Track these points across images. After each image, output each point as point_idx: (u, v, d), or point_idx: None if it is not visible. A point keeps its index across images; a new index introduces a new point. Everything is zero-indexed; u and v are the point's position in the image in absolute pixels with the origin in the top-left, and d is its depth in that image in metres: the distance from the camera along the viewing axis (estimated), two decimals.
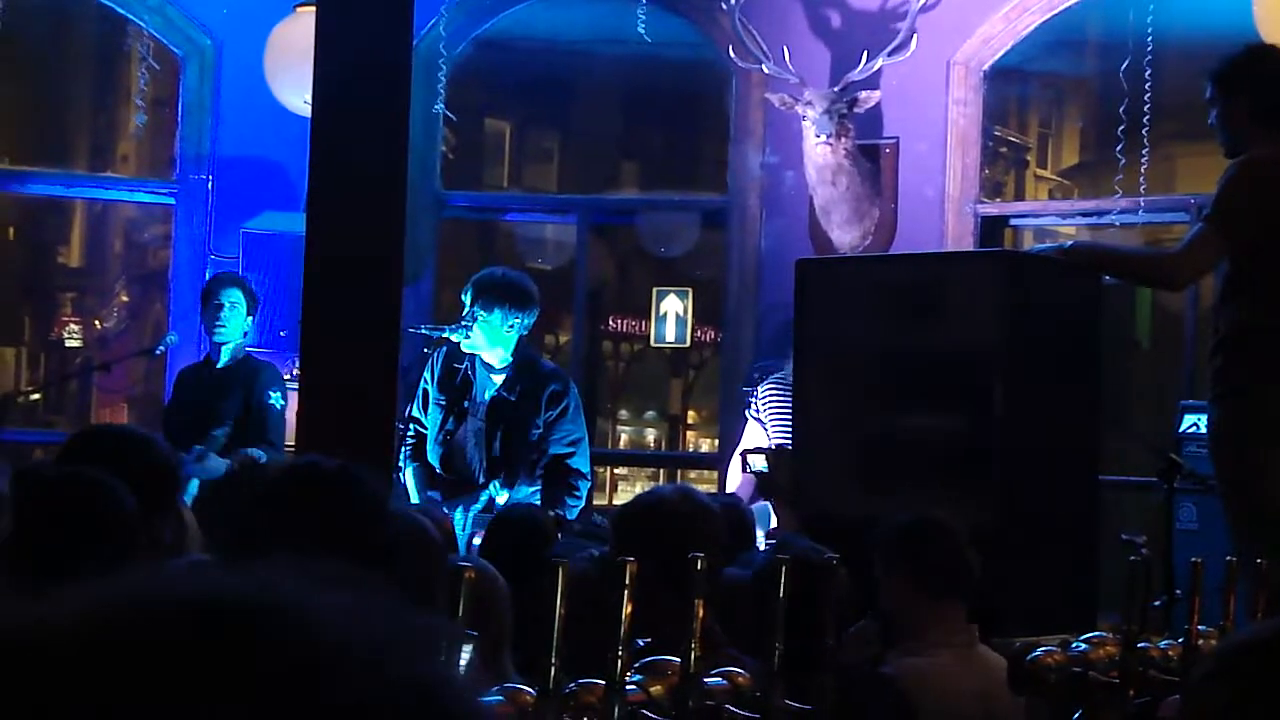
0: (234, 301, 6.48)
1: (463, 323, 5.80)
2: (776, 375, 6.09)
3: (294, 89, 6.82)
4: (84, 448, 3.21)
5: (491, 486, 5.74)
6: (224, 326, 6.47)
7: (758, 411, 6.03)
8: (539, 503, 5.67)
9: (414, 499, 5.82)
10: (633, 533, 3.08)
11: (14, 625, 0.64)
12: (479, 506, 5.72)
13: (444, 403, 5.88)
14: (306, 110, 4.75)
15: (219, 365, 6.49)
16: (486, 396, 5.84)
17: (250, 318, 6.54)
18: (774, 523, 5.69)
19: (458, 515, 5.70)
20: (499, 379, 5.83)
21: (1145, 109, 6.93)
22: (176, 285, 7.90)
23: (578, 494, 5.79)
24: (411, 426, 5.88)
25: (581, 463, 5.82)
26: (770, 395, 6.03)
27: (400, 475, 5.80)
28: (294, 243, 5.82)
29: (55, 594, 0.66)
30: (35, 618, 0.64)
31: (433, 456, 5.88)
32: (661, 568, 2.45)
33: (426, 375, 5.91)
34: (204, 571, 0.69)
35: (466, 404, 5.85)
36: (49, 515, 2.60)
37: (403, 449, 5.77)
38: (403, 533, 2.39)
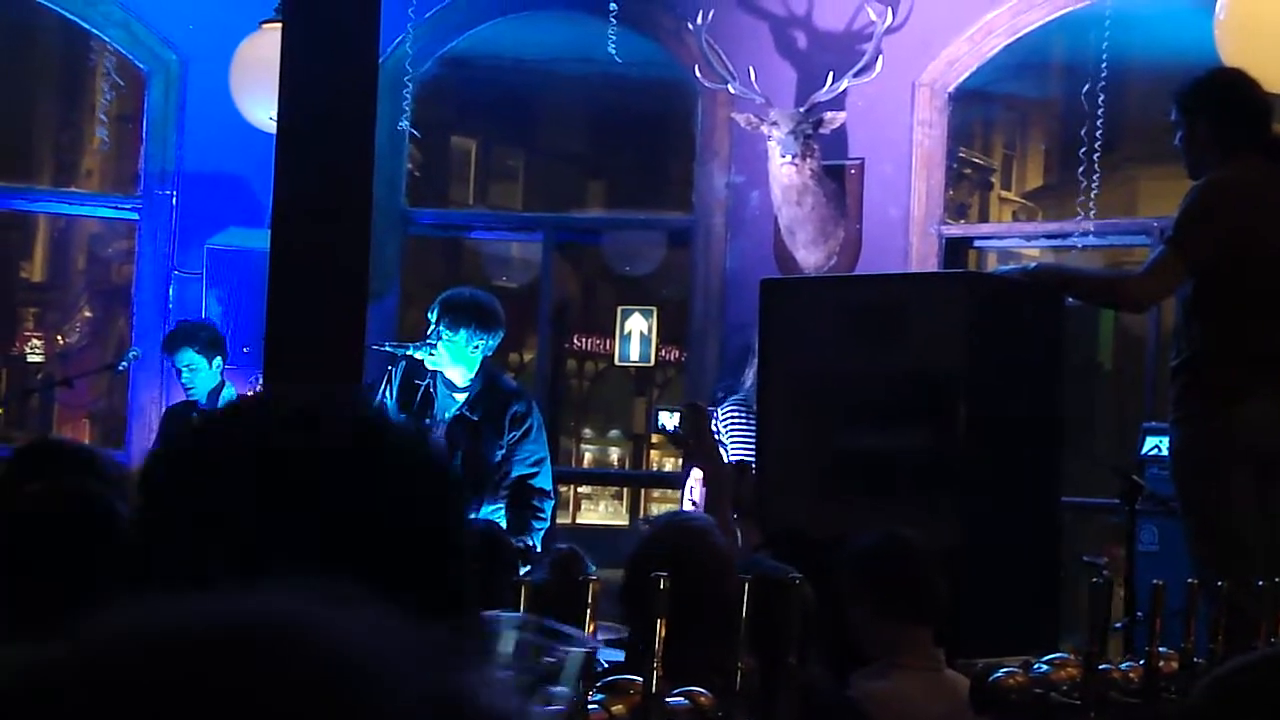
0: (190, 364, 6.57)
1: (428, 340, 5.79)
2: (737, 395, 6.10)
3: (259, 105, 6.80)
4: (32, 462, 3.18)
5: None
6: (192, 387, 6.61)
7: (719, 431, 6.04)
8: (503, 523, 5.66)
9: None
10: (652, 558, 3.08)
11: (32, 669, 0.64)
12: None
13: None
14: (272, 126, 4.74)
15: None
16: (448, 415, 5.82)
17: (218, 359, 6.60)
18: (692, 488, 5.71)
19: None
20: (461, 398, 5.81)
21: (1098, 132, 6.97)
22: (140, 301, 7.86)
23: (542, 514, 5.78)
24: None
25: (544, 482, 5.81)
26: (731, 414, 6.03)
27: None
28: (258, 259, 5.79)
29: (64, 628, 0.65)
30: (56, 656, 0.64)
31: None
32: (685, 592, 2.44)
33: (385, 391, 5.89)
34: (221, 597, 0.69)
35: (427, 422, 5.84)
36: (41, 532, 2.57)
37: None
38: None
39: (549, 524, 5.86)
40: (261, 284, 4.68)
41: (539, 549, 5.69)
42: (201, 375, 6.58)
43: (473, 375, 5.80)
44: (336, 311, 4.44)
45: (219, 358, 6.61)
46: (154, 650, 0.63)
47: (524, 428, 5.80)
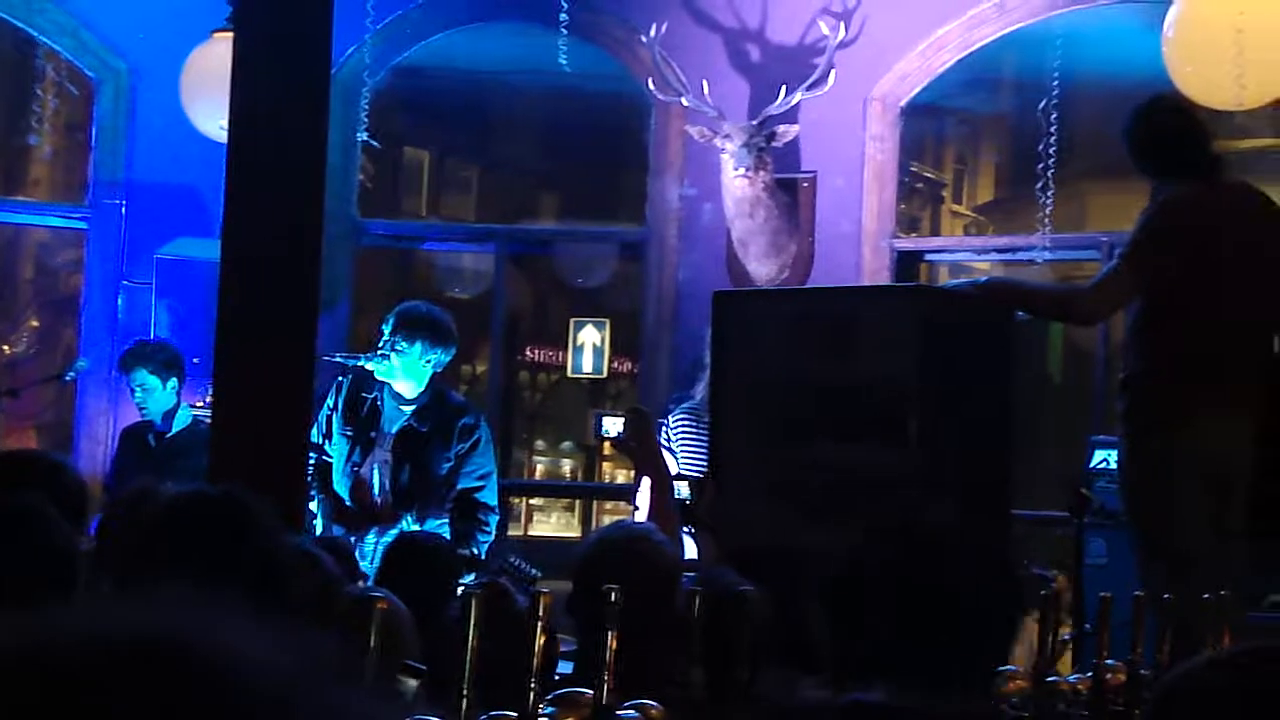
0: (142, 384, 6.53)
1: (380, 351, 5.76)
2: (687, 404, 6.10)
3: (210, 114, 6.76)
4: (5, 471, 3.17)
5: (404, 520, 5.70)
6: (145, 407, 6.58)
7: (669, 441, 6.04)
8: (448, 536, 5.63)
9: (320, 530, 5.76)
10: (599, 568, 3.08)
11: None
12: (390, 540, 5.66)
13: (350, 433, 5.82)
14: (223, 136, 4.71)
15: (169, 434, 6.54)
16: (395, 428, 5.79)
17: (174, 380, 6.54)
18: (644, 498, 5.71)
19: (368, 547, 5.66)
20: (408, 409, 5.79)
21: (1049, 147, 7.02)
22: (88, 311, 7.80)
23: (487, 529, 5.76)
24: (313, 454, 5.80)
25: (490, 497, 5.79)
26: (681, 424, 6.03)
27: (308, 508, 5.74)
28: (208, 269, 5.76)
29: None
30: None
31: (340, 487, 5.83)
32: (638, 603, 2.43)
33: (330, 402, 5.85)
34: (119, 607, 0.69)
35: (374, 434, 5.81)
36: None
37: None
38: (294, 561, 2.37)
39: (493, 538, 5.84)
40: (212, 294, 4.65)
41: (483, 557, 5.67)
42: (155, 396, 6.53)
43: (421, 389, 5.78)
44: (287, 322, 4.42)
45: (174, 379, 6.56)
46: (50, 663, 0.63)
47: (472, 440, 5.78)
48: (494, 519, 5.82)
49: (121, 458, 6.71)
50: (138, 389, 6.56)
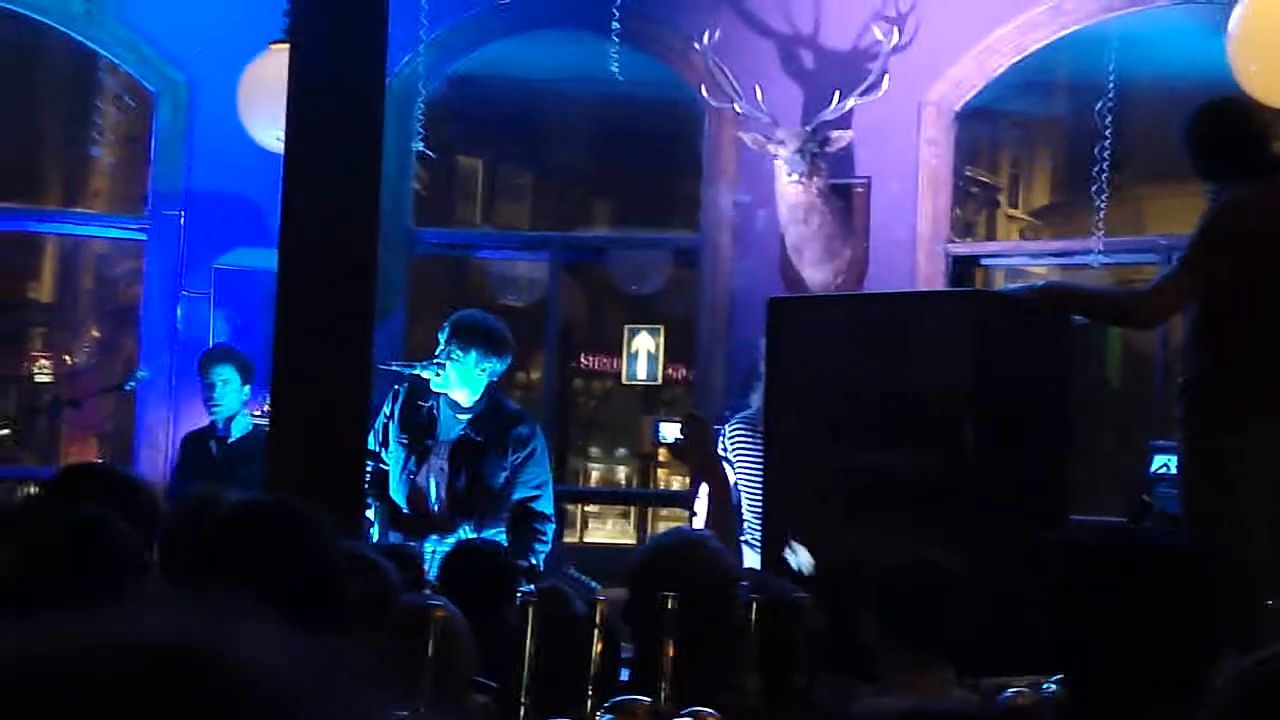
0: (225, 379, 6.60)
1: (435, 360, 5.78)
2: (743, 414, 6.09)
3: (267, 125, 6.81)
4: (74, 483, 3.21)
5: (461, 529, 5.71)
6: (218, 405, 6.65)
7: (725, 450, 6.03)
8: (508, 541, 5.65)
9: (376, 537, 5.79)
10: (655, 575, 3.08)
11: None
12: (448, 548, 5.68)
13: (406, 441, 5.84)
14: (279, 147, 4.75)
15: (230, 440, 6.61)
16: (451, 437, 5.81)
17: (246, 386, 6.62)
18: (701, 504, 5.70)
19: (426, 554, 5.67)
20: (464, 419, 5.80)
21: (1105, 150, 6.97)
22: (147, 321, 7.87)
23: (544, 538, 5.76)
24: (370, 462, 5.83)
25: (546, 506, 5.79)
26: (738, 434, 6.02)
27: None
28: (266, 279, 5.81)
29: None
30: None
31: (397, 495, 5.85)
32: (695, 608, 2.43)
33: (386, 410, 5.87)
34: (149, 614, 0.70)
35: (430, 443, 5.83)
36: (57, 552, 2.58)
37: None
38: (349, 569, 2.38)
39: (550, 546, 5.85)
40: (269, 304, 4.69)
41: (541, 569, 5.68)
42: (231, 396, 6.60)
43: (477, 398, 5.79)
44: (343, 331, 4.45)
45: (248, 384, 6.64)
46: (70, 671, 0.64)
47: (528, 450, 5.78)
48: (550, 528, 5.82)
49: (183, 463, 6.77)
50: (218, 384, 6.61)
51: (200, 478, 6.43)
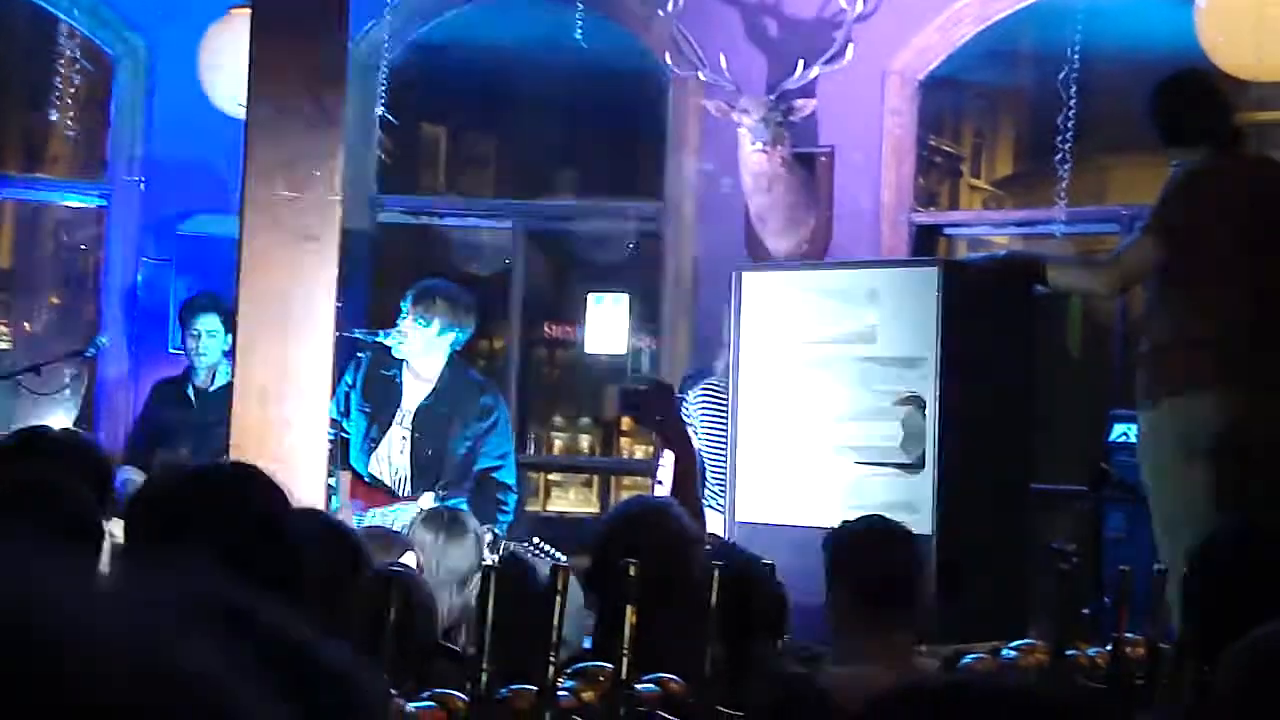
0: (211, 329, 6.50)
1: (398, 328, 5.77)
2: (707, 380, 6.09)
3: (228, 91, 6.76)
4: (26, 446, 3.19)
5: (425, 498, 5.71)
6: (203, 355, 6.54)
7: (688, 416, 6.04)
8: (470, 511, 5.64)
9: (337, 505, 5.78)
10: (618, 542, 3.09)
11: None
12: (411, 517, 5.68)
13: (369, 410, 5.83)
14: (241, 112, 4.72)
15: (212, 389, 6.44)
16: (414, 407, 5.80)
17: (229, 335, 6.51)
18: (666, 473, 5.72)
19: (389, 521, 5.67)
20: (428, 389, 5.79)
21: (1069, 120, 6.99)
22: (108, 287, 7.82)
23: (506, 508, 5.77)
24: (331, 430, 5.79)
25: (509, 476, 5.80)
26: (701, 400, 6.03)
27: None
28: (227, 245, 5.78)
29: None
30: None
31: (358, 463, 5.84)
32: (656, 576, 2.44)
33: (348, 379, 5.86)
34: None
35: (393, 412, 5.82)
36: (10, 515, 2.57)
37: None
38: (312, 536, 2.38)
39: (513, 517, 5.85)
40: (231, 271, 4.66)
41: (505, 537, 5.68)
42: (216, 341, 6.50)
43: (441, 367, 5.78)
44: (305, 298, 4.43)
45: (230, 334, 6.54)
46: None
47: (490, 420, 5.78)
48: (513, 498, 5.83)
49: (157, 410, 6.66)
50: (204, 334, 6.51)
51: (178, 426, 6.40)
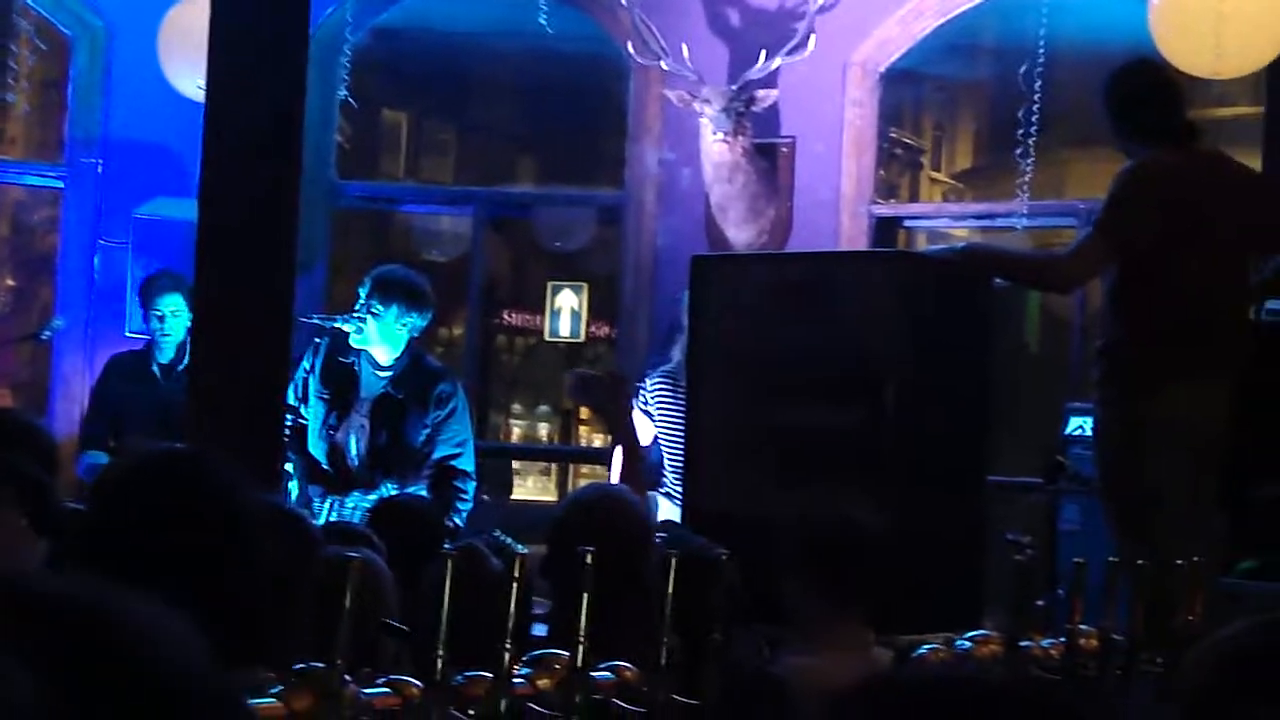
0: (175, 310, 6.44)
1: (356, 314, 5.75)
2: (664, 368, 6.10)
3: (187, 73, 6.72)
4: None
5: (383, 486, 5.69)
6: (169, 335, 6.48)
7: (645, 404, 6.04)
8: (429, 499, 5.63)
9: (295, 492, 5.77)
10: (572, 531, 3.09)
11: None
12: (369, 505, 5.67)
13: (327, 397, 5.81)
14: (200, 95, 4.69)
15: (181, 367, 6.35)
16: (372, 393, 5.79)
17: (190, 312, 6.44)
18: (617, 468, 5.73)
19: (346, 512, 5.66)
20: (385, 376, 5.78)
21: (1028, 114, 7.02)
22: (65, 270, 7.77)
23: (465, 496, 5.76)
24: (288, 416, 5.77)
25: (468, 464, 5.79)
26: (658, 388, 6.03)
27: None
28: (186, 229, 5.75)
29: None
30: None
31: (316, 450, 5.82)
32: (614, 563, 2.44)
33: (306, 365, 5.84)
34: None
35: (351, 399, 5.80)
36: None
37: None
38: (268, 521, 2.37)
39: (473, 504, 5.84)
40: (189, 254, 4.64)
41: (464, 527, 5.67)
42: (181, 319, 6.44)
43: (398, 354, 5.77)
44: (264, 282, 4.41)
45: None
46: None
47: (449, 408, 5.77)
48: (472, 486, 5.82)
49: (116, 386, 6.58)
50: (168, 315, 6.44)
51: (140, 404, 6.34)
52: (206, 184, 4.45)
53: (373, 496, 5.58)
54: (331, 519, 5.56)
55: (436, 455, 5.74)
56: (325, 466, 5.80)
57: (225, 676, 0.74)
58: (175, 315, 6.44)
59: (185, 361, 6.36)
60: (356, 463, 5.77)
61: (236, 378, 4.35)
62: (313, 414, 5.82)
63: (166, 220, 7.39)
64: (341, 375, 5.79)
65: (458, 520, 5.64)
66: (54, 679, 0.67)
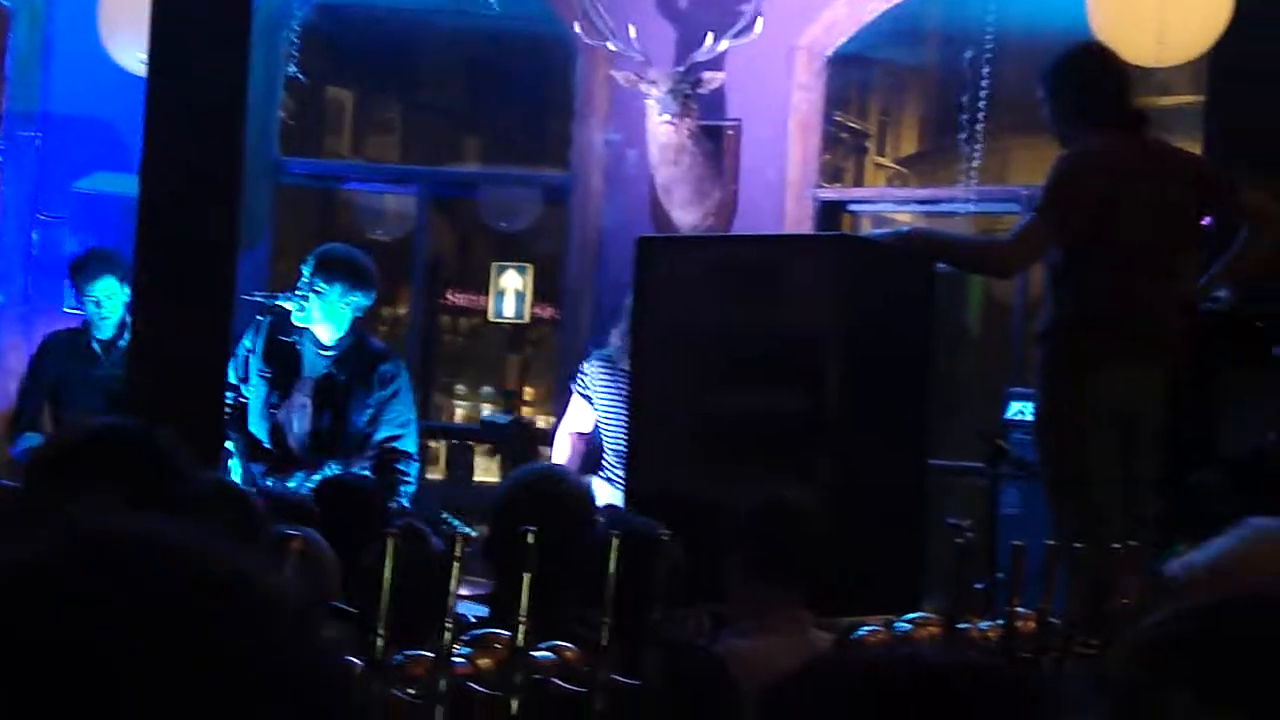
0: (109, 293, 6.35)
1: (299, 293, 5.72)
2: (603, 351, 6.09)
3: (129, 46, 6.65)
4: None
5: (326, 467, 5.67)
6: (107, 318, 6.36)
7: (586, 388, 6.04)
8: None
9: (236, 470, 5.73)
10: (513, 511, 3.08)
11: None
12: (312, 485, 5.65)
13: (269, 375, 5.78)
14: (141, 69, 4.65)
15: (122, 343, 6.25)
16: (315, 373, 5.76)
17: (125, 286, 6.35)
18: (561, 443, 5.86)
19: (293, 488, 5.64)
20: (329, 355, 5.75)
21: (973, 100, 7.05)
22: (2, 245, 7.68)
23: (408, 477, 5.74)
24: (229, 394, 5.73)
25: (410, 445, 5.77)
26: (598, 373, 6.03)
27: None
28: (126, 204, 5.69)
29: None
30: None
31: (257, 429, 5.79)
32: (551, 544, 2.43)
33: (248, 343, 5.80)
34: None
35: (293, 379, 5.77)
36: None
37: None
38: (212, 499, 2.36)
39: (416, 486, 5.82)
40: (128, 230, 4.59)
41: (408, 506, 5.66)
42: (117, 304, 6.35)
43: (341, 334, 5.74)
44: (205, 259, 4.37)
45: (127, 284, 6.38)
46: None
47: (392, 389, 5.75)
48: (415, 467, 5.80)
49: (53, 364, 6.50)
50: (103, 299, 6.35)
51: (79, 381, 6.27)
52: (147, 159, 4.41)
53: (316, 477, 5.56)
54: None
55: (379, 436, 5.72)
56: (267, 445, 5.77)
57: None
58: (110, 298, 6.37)
59: (125, 339, 6.29)
60: (298, 443, 5.74)
61: (177, 356, 4.32)
62: (254, 393, 5.78)
63: (106, 195, 7.31)
64: (284, 354, 5.76)
65: (403, 502, 5.62)
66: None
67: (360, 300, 5.74)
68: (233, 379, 5.66)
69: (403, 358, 6.19)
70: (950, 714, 1.10)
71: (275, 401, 5.76)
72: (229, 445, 5.72)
